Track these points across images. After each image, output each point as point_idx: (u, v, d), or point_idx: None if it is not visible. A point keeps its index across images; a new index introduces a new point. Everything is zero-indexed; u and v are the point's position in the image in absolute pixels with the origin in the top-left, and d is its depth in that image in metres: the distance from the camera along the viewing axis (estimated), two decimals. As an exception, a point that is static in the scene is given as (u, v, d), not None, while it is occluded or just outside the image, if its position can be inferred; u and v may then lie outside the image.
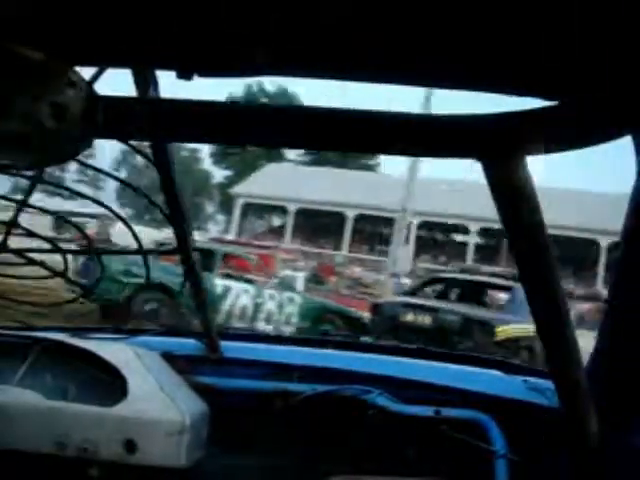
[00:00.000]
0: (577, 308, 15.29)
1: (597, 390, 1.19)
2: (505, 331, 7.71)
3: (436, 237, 32.68)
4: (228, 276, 9.13)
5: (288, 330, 9.01)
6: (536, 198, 0.81)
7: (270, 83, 41.81)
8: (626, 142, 0.87)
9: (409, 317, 8.33)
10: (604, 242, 25.90)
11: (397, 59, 0.61)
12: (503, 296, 9.75)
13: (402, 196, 17.91)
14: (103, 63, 0.73)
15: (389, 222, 23.86)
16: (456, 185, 27.93)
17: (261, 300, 9.20)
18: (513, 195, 0.80)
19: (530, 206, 0.82)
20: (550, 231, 0.87)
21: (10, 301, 1.56)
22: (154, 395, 1.37)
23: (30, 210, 1.19)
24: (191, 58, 0.60)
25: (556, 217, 17.21)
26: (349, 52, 0.60)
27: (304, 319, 9.42)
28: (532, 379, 1.48)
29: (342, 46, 0.59)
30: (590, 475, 1.28)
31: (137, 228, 1.38)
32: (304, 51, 0.61)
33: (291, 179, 32.53)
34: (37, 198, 1.15)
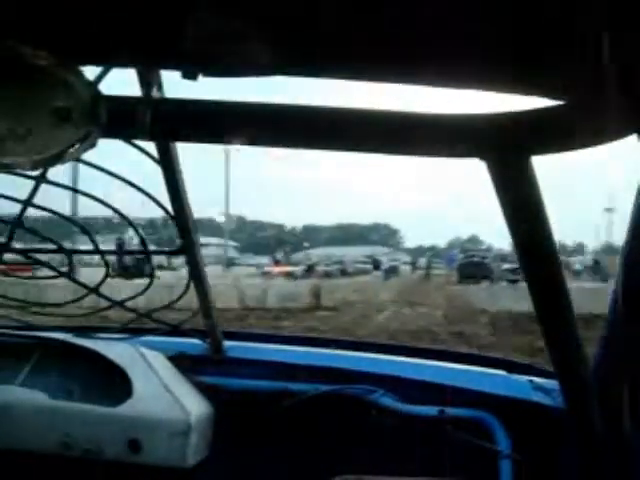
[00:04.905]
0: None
1: (602, 390, 1.19)
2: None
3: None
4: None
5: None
6: (540, 197, 0.80)
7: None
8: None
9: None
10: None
11: (398, 59, 0.61)
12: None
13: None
14: (108, 63, 0.73)
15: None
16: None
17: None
18: (517, 194, 0.80)
19: (534, 205, 0.81)
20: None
21: (10, 300, 1.56)
22: (158, 395, 1.37)
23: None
24: (195, 58, 0.60)
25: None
26: (350, 52, 0.60)
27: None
28: (537, 379, 1.47)
29: (343, 46, 0.59)
30: (595, 475, 1.27)
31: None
32: (306, 51, 0.61)
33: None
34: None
